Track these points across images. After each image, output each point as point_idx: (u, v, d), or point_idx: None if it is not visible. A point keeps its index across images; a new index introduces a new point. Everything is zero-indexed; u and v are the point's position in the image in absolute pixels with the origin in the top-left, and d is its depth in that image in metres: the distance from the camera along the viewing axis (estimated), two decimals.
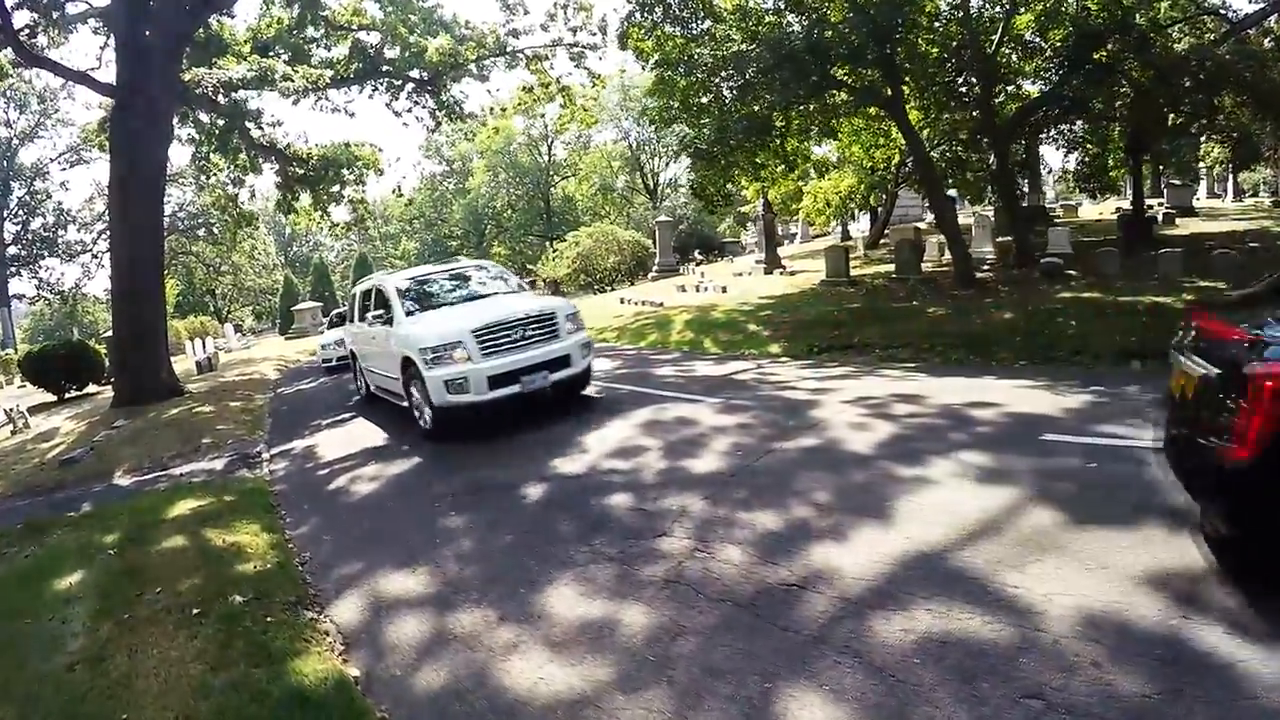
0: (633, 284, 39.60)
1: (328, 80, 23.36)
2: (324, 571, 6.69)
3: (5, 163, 52.57)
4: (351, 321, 14.96)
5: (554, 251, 48.59)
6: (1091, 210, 41.10)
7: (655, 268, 39.39)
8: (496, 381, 9.96)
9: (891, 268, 24.18)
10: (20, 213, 53.54)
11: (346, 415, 14.48)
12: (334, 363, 20.59)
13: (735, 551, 5.55)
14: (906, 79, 20.16)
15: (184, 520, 8.23)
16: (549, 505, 7.34)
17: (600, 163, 73.67)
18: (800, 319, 17.12)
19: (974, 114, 23.00)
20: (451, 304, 11.86)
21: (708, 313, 20.50)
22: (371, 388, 14.36)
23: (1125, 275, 17.82)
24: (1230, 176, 48.11)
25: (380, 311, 12.16)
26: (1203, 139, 37.00)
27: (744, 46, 18.87)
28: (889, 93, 19.64)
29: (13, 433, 18.52)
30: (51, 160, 54.26)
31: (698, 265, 41.34)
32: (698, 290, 27.54)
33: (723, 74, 20.17)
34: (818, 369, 12.62)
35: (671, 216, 49.52)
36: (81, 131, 42.06)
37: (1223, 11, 23.27)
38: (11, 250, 52.84)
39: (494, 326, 10.20)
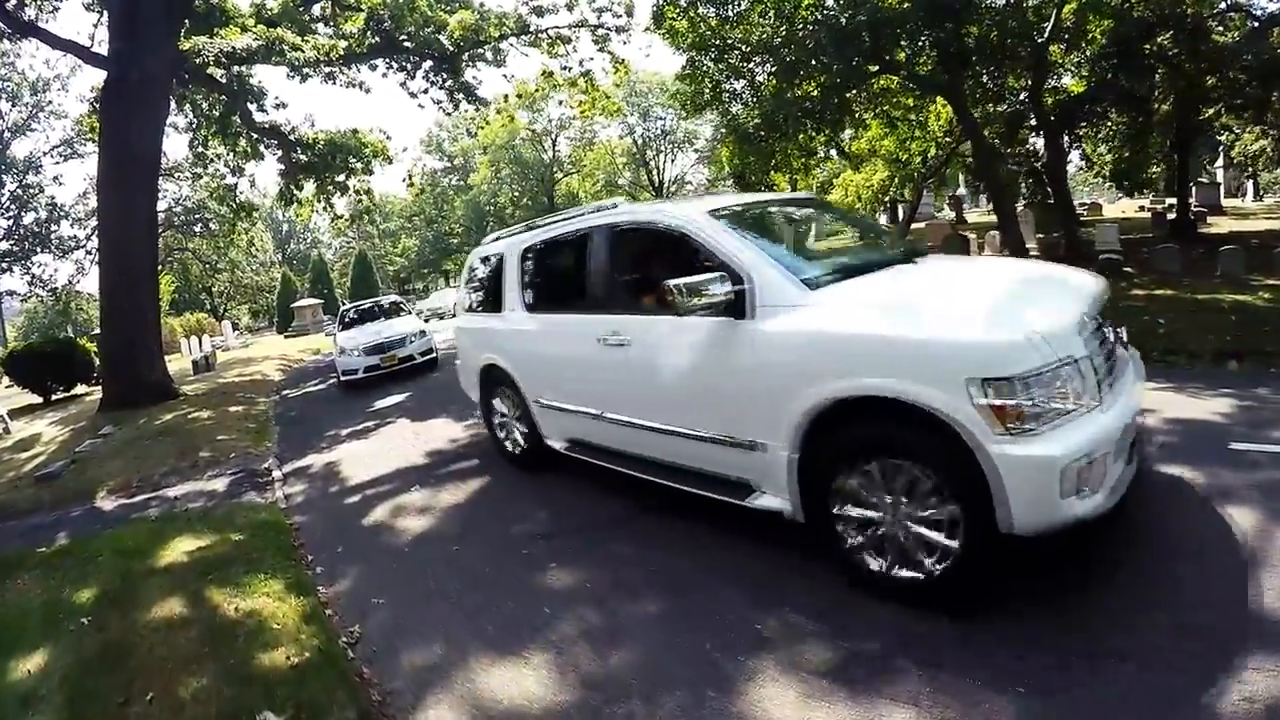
0: None
1: (341, 52, 21.47)
2: (387, 661, 4.81)
3: None
4: (500, 309, 7.94)
5: None
6: (1112, 209, 40.28)
7: None
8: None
9: None
10: (11, 207, 51.04)
11: (369, 424, 12.57)
12: (360, 375, 16.89)
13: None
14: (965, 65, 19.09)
15: (181, 570, 6.36)
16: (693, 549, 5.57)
17: (604, 159, 72.28)
18: None
19: (1022, 105, 22.60)
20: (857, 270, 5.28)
21: None
22: (562, 442, 7.30)
23: (1185, 272, 17.07)
24: (1252, 176, 46.98)
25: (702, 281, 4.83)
26: (1247, 132, 35.74)
27: (791, 26, 18.09)
28: (946, 78, 18.69)
29: None
30: (44, 154, 51.91)
31: None
32: None
33: (758, 58, 19.59)
34: None
35: None
36: (75, 124, 41.15)
37: (1248, 8, 22.24)
38: (2, 246, 50.42)
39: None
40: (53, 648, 5.16)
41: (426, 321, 24.99)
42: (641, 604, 4.93)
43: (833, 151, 21.86)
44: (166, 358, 20.35)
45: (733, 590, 4.83)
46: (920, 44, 18.60)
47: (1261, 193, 48.19)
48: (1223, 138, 35.98)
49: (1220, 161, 43.79)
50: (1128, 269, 18.06)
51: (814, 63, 17.96)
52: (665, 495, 5.95)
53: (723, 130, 22.37)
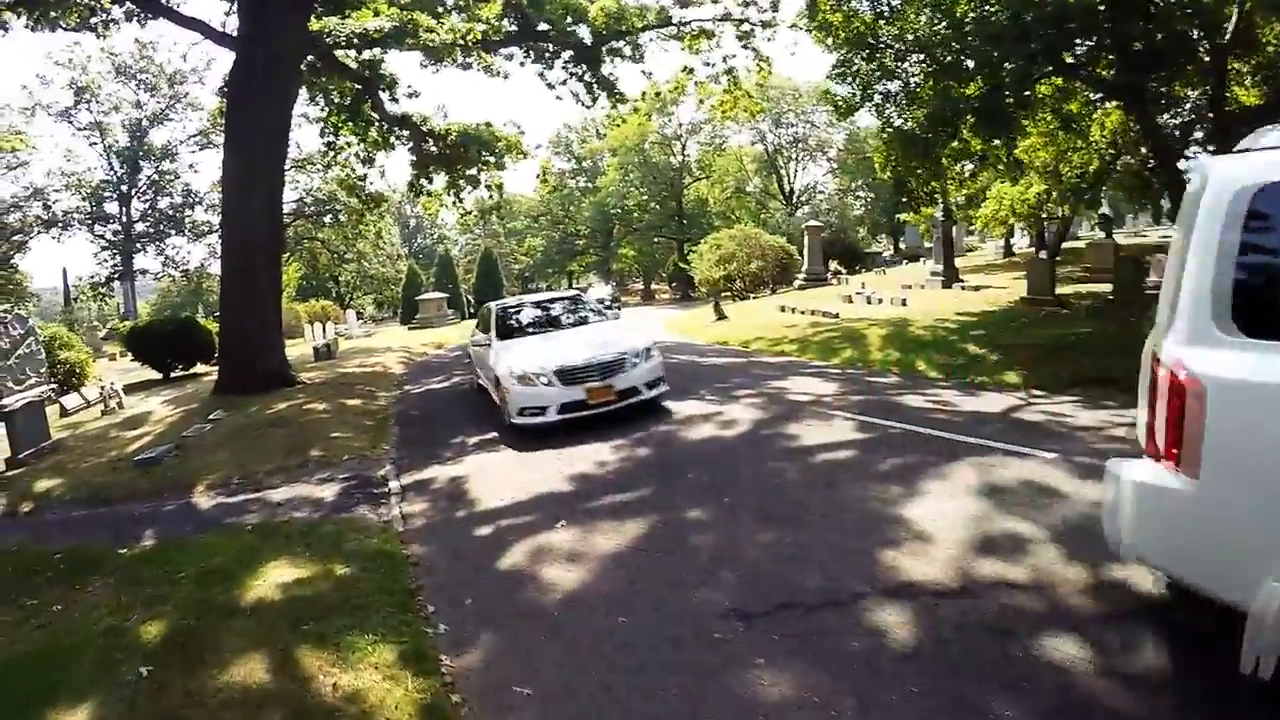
0: (774, 292, 37.34)
1: (478, 36, 20.39)
2: None
3: (136, 143, 53.14)
4: None
5: (694, 253, 45.65)
6: None
7: (803, 276, 36.80)
8: None
9: (1093, 287, 22.09)
10: (149, 192, 54.04)
11: (496, 434, 11.09)
12: (553, 417, 10.42)
13: None
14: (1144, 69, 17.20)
15: (270, 613, 5.11)
16: (938, 655, 4.06)
17: (734, 165, 70.57)
18: (1027, 343, 14.33)
19: (1192, 116, 21.31)
20: None
21: (903, 328, 17.62)
22: None
23: None
24: None
25: None
26: None
27: (953, 22, 16.67)
28: (1126, 82, 16.83)
29: (103, 413, 17.10)
30: (180, 143, 54.53)
31: (845, 275, 38.57)
32: (869, 302, 24.96)
33: (914, 57, 18.45)
34: (1094, 408, 9.41)
35: (819, 222, 46.02)
36: (210, 116, 42.15)
37: None
38: (139, 227, 53.44)
39: None
40: (96, 705, 4.04)
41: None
42: None
43: (999, 157, 19.89)
44: (288, 342, 19.77)
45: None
46: (1101, 43, 16.96)
47: None
48: None
49: None
50: None
51: (975, 63, 16.75)
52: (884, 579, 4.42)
53: (880, 133, 20.62)
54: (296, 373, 17.83)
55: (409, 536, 6.94)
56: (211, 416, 13.61)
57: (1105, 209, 42.24)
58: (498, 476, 8.70)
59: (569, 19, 22.76)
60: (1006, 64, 16.01)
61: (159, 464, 10.53)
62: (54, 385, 20.00)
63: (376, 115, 23.30)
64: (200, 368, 23.72)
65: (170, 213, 54.06)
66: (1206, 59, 17.48)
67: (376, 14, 20.24)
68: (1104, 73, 17.61)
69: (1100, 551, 4.44)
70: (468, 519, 7.34)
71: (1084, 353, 13.07)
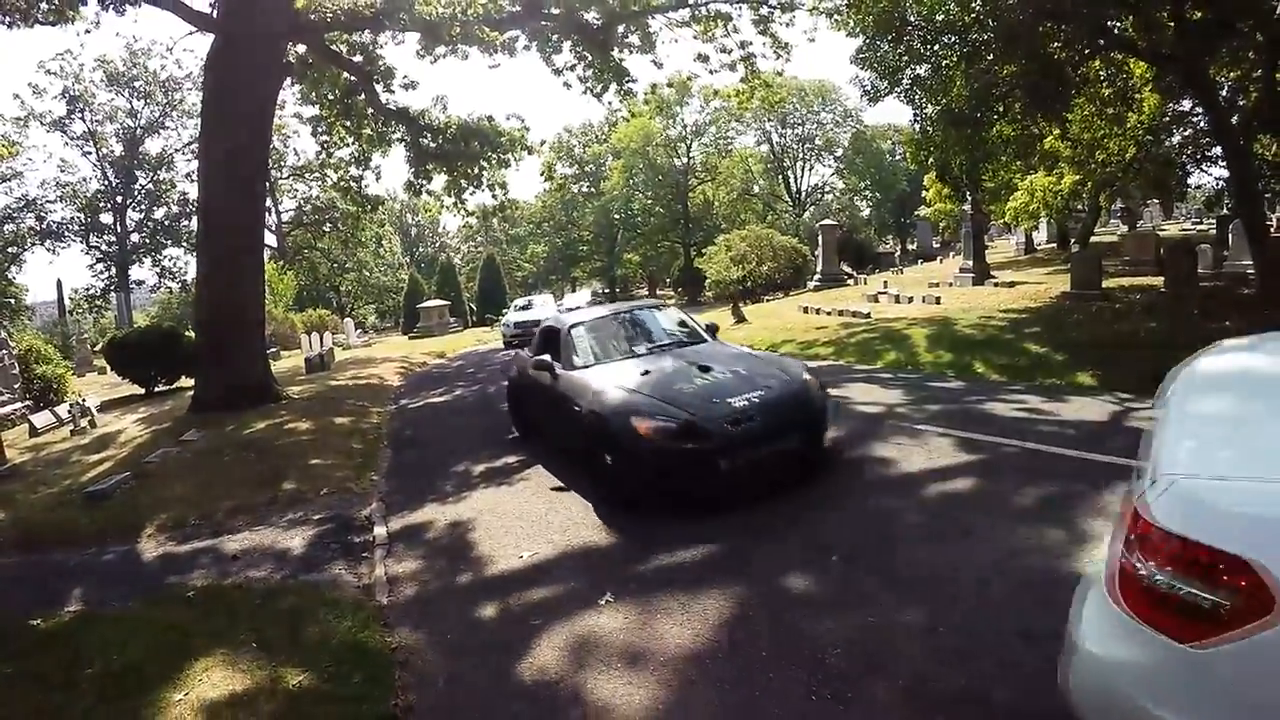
0: (788, 294, 36.33)
1: (479, 10, 18.88)
2: None
3: (130, 152, 52.98)
4: None
5: (706, 255, 44.67)
6: None
7: (817, 276, 35.64)
8: None
9: (1135, 280, 21.24)
10: (144, 202, 54.08)
11: (513, 459, 9.39)
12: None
13: None
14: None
15: None
16: None
17: (740, 167, 69.69)
18: (1090, 340, 13.26)
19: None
20: None
21: (946, 327, 16.51)
22: None
23: None
24: None
25: None
26: None
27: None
28: (1187, 54, 15.63)
29: (72, 432, 15.58)
30: (176, 151, 54.38)
31: (859, 276, 38.08)
32: (897, 301, 23.73)
33: (945, 38, 17.58)
34: None
35: (833, 222, 44.98)
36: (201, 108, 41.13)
37: None
38: (135, 238, 53.55)
39: None
40: None
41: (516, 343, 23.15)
42: None
43: (1045, 143, 18.81)
44: (285, 353, 18.34)
45: None
46: (1160, 16, 15.69)
47: None
48: None
49: None
50: None
51: (1017, 41, 15.43)
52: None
53: (916, 118, 19.28)
54: (283, 387, 16.46)
55: (395, 614, 5.17)
56: (183, 438, 12.20)
57: (1123, 202, 41.59)
58: (514, 520, 6.97)
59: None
60: (1059, 39, 15.33)
61: (109, 498, 9.08)
62: (27, 402, 18.70)
63: (371, 110, 22.00)
64: (185, 381, 22.14)
65: (166, 223, 53.90)
66: (1260, 36, 16.37)
67: None
68: (1157, 48, 16.47)
69: None
70: (473, 589, 5.53)
71: (1157, 350, 11.48)
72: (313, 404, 14.88)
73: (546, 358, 8.76)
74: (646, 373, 7.77)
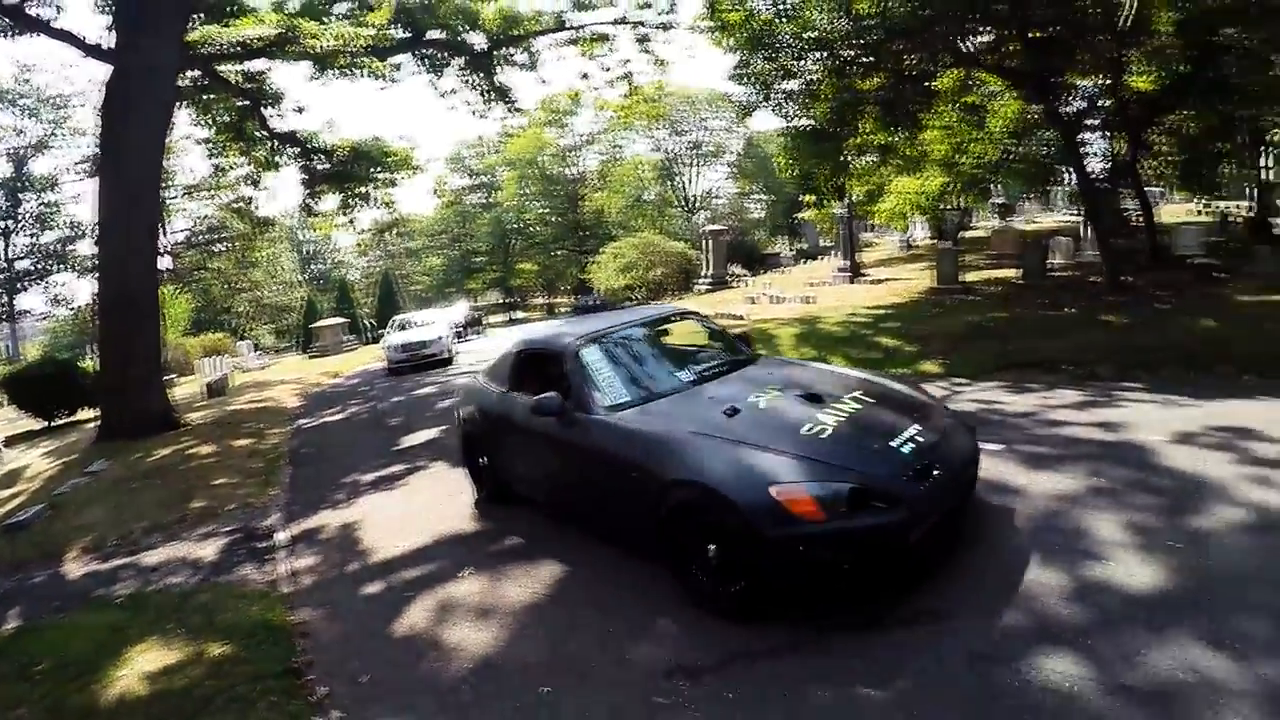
0: (679, 297, 36.77)
1: (365, 41, 19.63)
2: None
3: (16, 173, 50.49)
4: None
5: (595, 264, 45.53)
6: (1162, 213, 39.09)
7: (707, 280, 36.82)
8: None
9: (996, 273, 22.93)
10: (32, 226, 51.37)
11: (398, 467, 10.33)
12: None
13: None
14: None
15: (133, 713, 4.47)
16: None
17: (631, 174, 70.50)
18: (943, 331, 14.46)
19: (1089, 103, 21.54)
20: None
21: (814, 326, 17.51)
22: None
23: None
24: None
25: None
26: None
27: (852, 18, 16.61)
28: (1031, 70, 17.37)
29: None
30: (65, 171, 51.57)
31: (748, 277, 38.42)
32: (774, 302, 24.69)
33: (815, 54, 18.30)
34: (1020, 393, 9.61)
35: (719, 226, 46.25)
36: (94, 141, 40.09)
37: None
38: (23, 264, 51.00)
39: None
40: None
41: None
42: None
43: (901, 151, 20.26)
44: (181, 380, 18.75)
45: None
46: (1007, 33, 17.10)
47: None
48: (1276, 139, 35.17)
49: (1269, 162, 42.58)
50: (1220, 274, 17.24)
51: (875, 57, 16.89)
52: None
53: (783, 131, 20.55)
54: (183, 414, 16.94)
55: (297, 599, 6.20)
56: (91, 468, 12.71)
57: (1000, 198, 43.48)
58: (395, 518, 7.99)
59: (461, 25, 22.29)
60: (909, 57, 16.34)
61: (28, 528, 9.68)
62: None
63: (263, 133, 22.50)
64: (85, 413, 22.04)
65: (55, 248, 51.61)
66: (1105, 48, 17.97)
67: (260, 22, 19.37)
68: (1006, 63, 17.89)
69: None
70: (362, 573, 6.61)
71: (999, 337, 13.25)
72: (214, 429, 15.35)
73: (554, 399, 6.08)
74: (734, 412, 5.49)
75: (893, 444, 5.03)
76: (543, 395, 6.12)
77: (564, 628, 4.99)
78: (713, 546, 4.81)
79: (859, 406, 5.57)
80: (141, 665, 4.99)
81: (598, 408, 5.98)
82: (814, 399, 5.66)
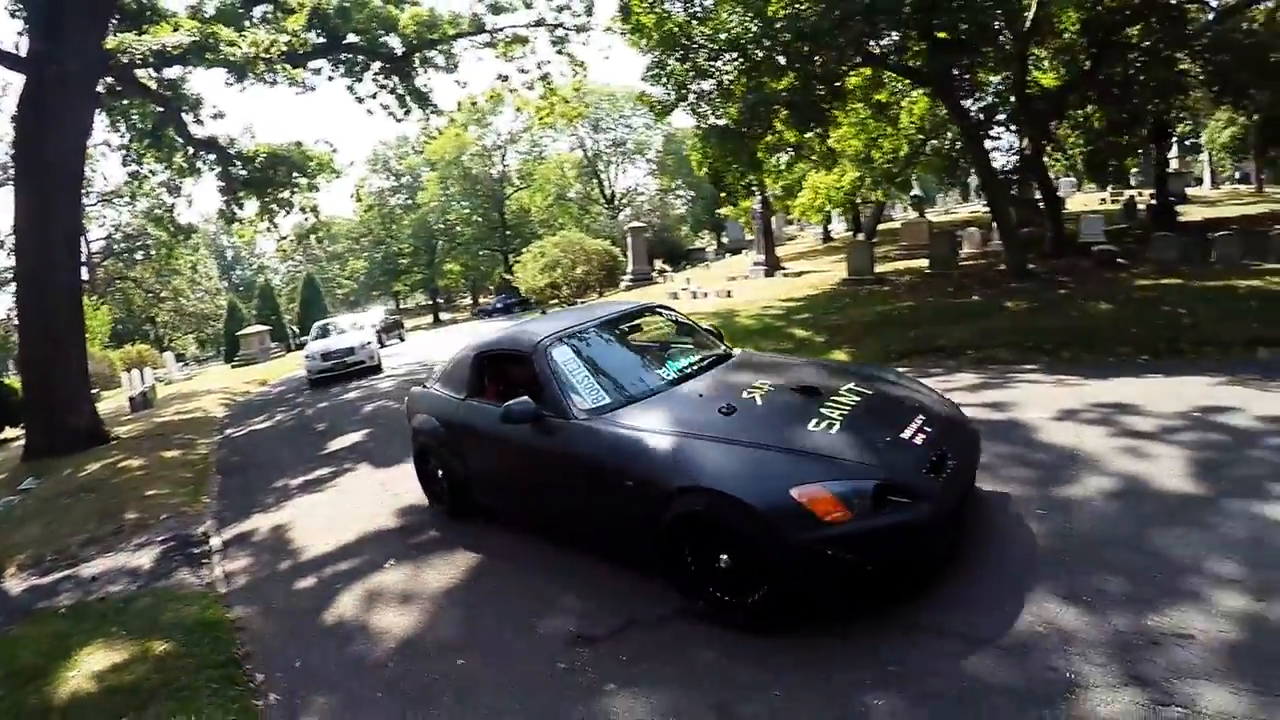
0: (602, 294, 37.69)
1: (282, 48, 19.65)
2: None
3: None
4: None
5: (518, 263, 45.74)
6: (1073, 202, 41.28)
7: (629, 277, 37.47)
8: None
9: (909, 264, 23.77)
10: None
11: (324, 471, 10.75)
12: None
13: None
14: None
15: (85, 708, 4.83)
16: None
17: (555, 172, 71.17)
18: (853, 321, 15.20)
19: (997, 99, 22.65)
20: None
21: (730, 319, 18.00)
22: None
23: (1181, 260, 17.15)
24: (1207, 164, 48.22)
25: None
26: (1214, 120, 39.81)
27: (764, 20, 17.00)
28: (933, 70, 17.99)
29: None
30: None
31: (670, 273, 39.03)
32: (695, 297, 25.30)
33: (727, 55, 18.82)
34: (925, 377, 9.56)
35: (641, 223, 46.74)
36: (7, 148, 38.94)
37: None
38: None
39: None
40: None
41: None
42: None
43: (812, 148, 20.90)
44: (105, 394, 18.59)
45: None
46: (909, 34, 17.69)
47: (1218, 181, 48.71)
48: (1178, 128, 37.90)
49: (1173, 151, 44.43)
50: (1121, 260, 18.02)
51: (787, 58, 17.26)
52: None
53: (696, 130, 21.04)
54: (110, 428, 16.87)
55: (232, 598, 6.62)
56: (21, 486, 12.81)
57: (917, 190, 44.57)
58: (323, 518, 8.42)
59: (378, 29, 22.41)
60: (817, 58, 16.64)
61: None
62: None
63: (181, 139, 22.24)
64: (10, 431, 22.05)
65: None
66: (1009, 46, 18.91)
67: (176, 29, 19.21)
68: (912, 62, 18.48)
69: None
70: (293, 570, 7.05)
71: (906, 326, 13.95)
72: (143, 441, 15.40)
73: (526, 404, 5.73)
74: (730, 411, 5.24)
75: (903, 436, 4.92)
76: (514, 401, 5.74)
77: (478, 608, 5.53)
78: (725, 556, 4.53)
79: (858, 399, 5.38)
80: (90, 666, 5.33)
81: (576, 411, 5.59)
82: (810, 393, 5.44)
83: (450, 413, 7.15)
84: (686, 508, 4.61)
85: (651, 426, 5.18)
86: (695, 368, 6.33)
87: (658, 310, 7.49)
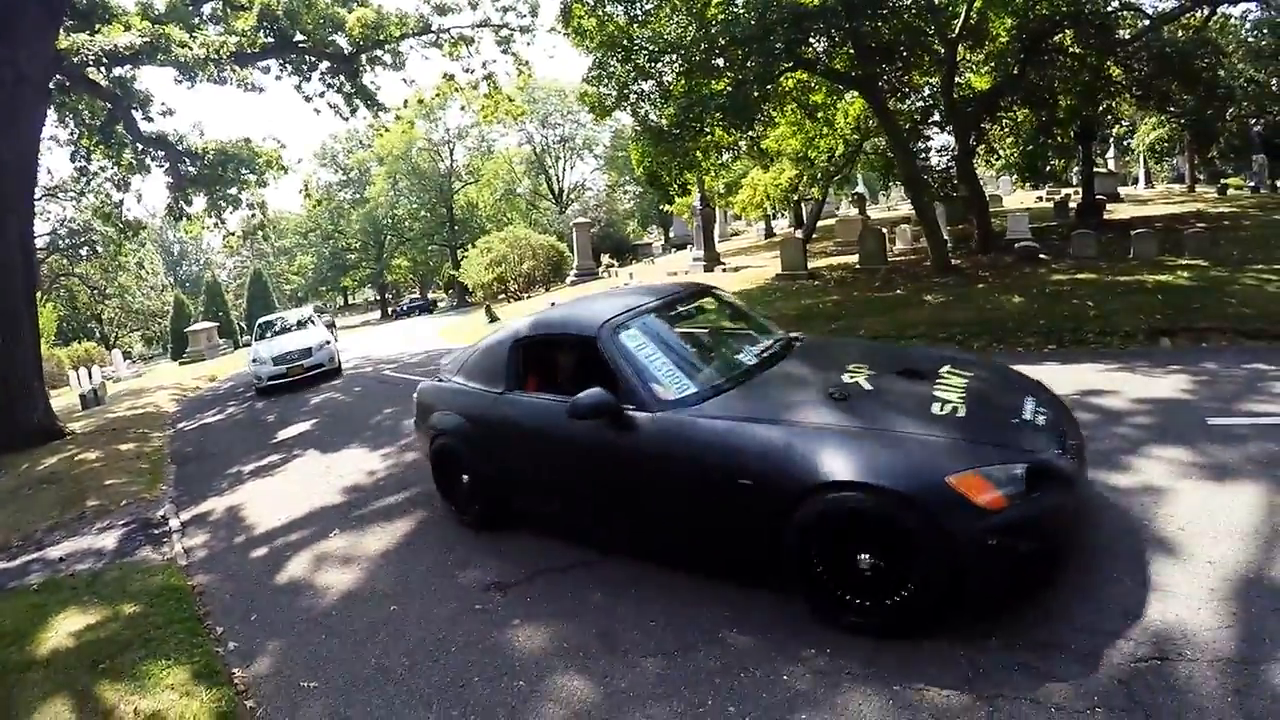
0: (548, 290, 38.38)
1: (231, 49, 19.96)
2: None
3: None
4: None
5: (464, 258, 46.14)
6: (1010, 200, 42.24)
7: (574, 272, 38.21)
8: None
9: (843, 259, 24.40)
10: None
11: (274, 458, 11.46)
12: None
13: None
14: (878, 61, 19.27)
15: (66, 660, 5.43)
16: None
17: (503, 168, 71.55)
18: (782, 314, 15.67)
19: (928, 101, 23.51)
20: None
21: None
22: None
23: (1100, 256, 17.90)
24: (1141, 164, 49.29)
25: None
26: (1143, 123, 41.06)
27: (701, 24, 17.76)
28: (861, 75, 18.81)
29: None
30: None
31: (616, 268, 39.60)
32: None
33: (667, 57, 19.28)
34: None
35: (587, 219, 47.33)
36: None
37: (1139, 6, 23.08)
38: None
39: None
40: None
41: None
42: (636, 664, 4.29)
43: (744, 149, 21.62)
44: (53, 392, 18.75)
45: (744, 638, 4.33)
46: (836, 40, 18.46)
47: (1152, 180, 50.17)
48: (1114, 130, 39.99)
49: (1110, 152, 45.78)
50: (1044, 255, 18.57)
51: (725, 60, 17.76)
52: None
53: (635, 130, 21.66)
54: (64, 424, 17.15)
55: (193, 569, 7.30)
56: None
57: (860, 187, 45.51)
58: (273, 499, 9.13)
59: (327, 29, 22.82)
60: (750, 62, 16.97)
61: None
62: None
63: (130, 136, 22.33)
64: None
65: None
66: (941, 50, 19.36)
67: (127, 28, 19.38)
68: (842, 66, 19.14)
69: None
70: (247, 543, 7.77)
71: (829, 318, 14.74)
72: (97, 436, 15.81)
73: (602, 396, 5.01)
74: (844, 397, 4.85)
75: (1025, 418, 4.67)
76: (584, 393, 5.05)
77: (410, 565, 6.33)
78: (865, 556, 4.08)
79: (965, 380, 5.11)
80: (67, 627, 5.97)
81: (660, 403, 4.98)
82: (914, 375, 5.20)
83: (484, 409, 6.37)
84: (827, 506, 4.13)
85: (761, 417, 4.67)
86: (770, 354, 5.81)
87: (712, 292, 6.95)
